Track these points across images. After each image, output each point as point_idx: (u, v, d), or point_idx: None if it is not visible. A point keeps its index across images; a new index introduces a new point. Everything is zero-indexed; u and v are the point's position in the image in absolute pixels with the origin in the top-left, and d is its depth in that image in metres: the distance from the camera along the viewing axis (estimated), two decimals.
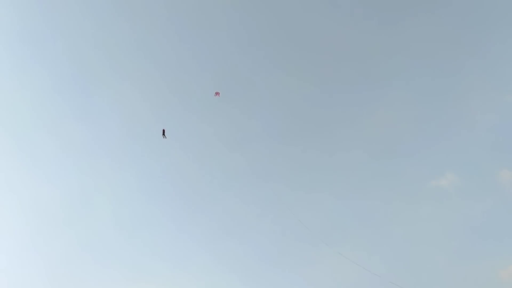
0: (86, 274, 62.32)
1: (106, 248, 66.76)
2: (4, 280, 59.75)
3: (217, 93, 53.75)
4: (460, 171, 72.06)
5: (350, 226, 69.26)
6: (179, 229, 70.29)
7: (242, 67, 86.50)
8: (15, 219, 67.77)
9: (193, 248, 67.58)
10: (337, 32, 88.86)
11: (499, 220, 65.24)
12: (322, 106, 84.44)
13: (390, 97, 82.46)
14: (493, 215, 66.02)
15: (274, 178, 70.94)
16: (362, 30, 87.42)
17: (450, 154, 74.54)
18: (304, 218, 65.95)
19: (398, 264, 62.99)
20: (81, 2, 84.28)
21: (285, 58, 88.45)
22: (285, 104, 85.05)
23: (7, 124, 75.28)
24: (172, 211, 72.92)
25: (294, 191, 72.68)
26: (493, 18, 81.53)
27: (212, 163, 77.24)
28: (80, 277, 61.94)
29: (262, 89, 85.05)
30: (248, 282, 61.97)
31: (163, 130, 56.62)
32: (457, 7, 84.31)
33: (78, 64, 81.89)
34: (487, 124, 76.44)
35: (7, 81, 78.43)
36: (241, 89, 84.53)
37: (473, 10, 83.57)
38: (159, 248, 67.45)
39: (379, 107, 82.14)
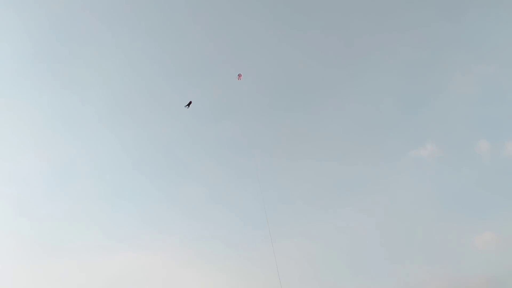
0: (71, 244, 62.35)
1: (90, 218, 66.60)
2: None
3: (239, 75, 52.06)
4: (439, 141, 73.58)
5: (332, 192, 70.85)
6: (163, 198, 70.80)
7: None
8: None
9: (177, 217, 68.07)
10: None
11: (475, 189, 67.30)
12: (307, 74, 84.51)
13: (371, 68, 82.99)
14: (470, 184, 68.10)
15: (259, 147, 71.16)
16: None
17: (430, 125, 76.14)
18: (290, 185, 70.32)
19: (377, 230, 64.65)
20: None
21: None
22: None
23: None
24: (156, 180, 73.46)
25: (279, 158, 74.01)
26: None
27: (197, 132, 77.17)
28: (64, 247, 62.00)
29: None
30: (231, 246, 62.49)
31: (190, 102, 54.47)
32: None
33: None
34: (467, 95, 77.92)
35: None
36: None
37: None
38: (143, 216, 67.86)
39: (361, 78, 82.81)
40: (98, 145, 76.06)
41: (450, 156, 71.83)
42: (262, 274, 55.39)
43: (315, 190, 70.21)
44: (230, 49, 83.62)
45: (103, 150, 75.89)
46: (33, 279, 56.27)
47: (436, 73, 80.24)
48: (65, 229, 64.01)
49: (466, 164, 70.18)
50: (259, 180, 47.77)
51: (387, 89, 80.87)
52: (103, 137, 76.99)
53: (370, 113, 79.31)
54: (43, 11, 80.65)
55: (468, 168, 69.73)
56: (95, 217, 66.41)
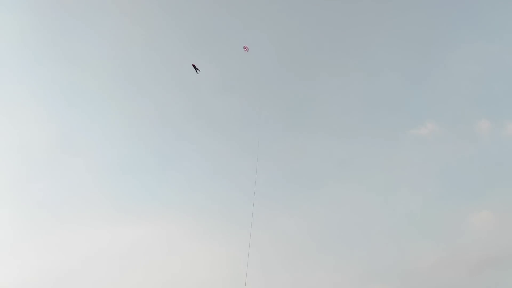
0: (76, 216, 62.42)
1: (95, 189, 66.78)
2: None
3: (245, 47, 50.67)
4: (440, 120, 73.38)
5: (333, 169, 71.01)
6: (165, 171, 71.09)
7: None
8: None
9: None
10: None
11: (475, 168, 67.98)
12: (310, 46, 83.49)
13: (374, 41, 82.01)
14: (470, 163, 68.63)
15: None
16: None
17: (431, 103, 75.95)
18: (292, 161, 70.68)
19: (375, 206, 65.34)
20: None
21: None
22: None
23: None
24: (160, 154, 73.52)
25: (284, 132, 74.40)
26: None
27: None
28: (69, 218, 61.98)
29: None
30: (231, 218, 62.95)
31: (194, 66, 52.86)
32: None
33: None
34: (470, 74, 77.37)
35: None
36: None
37: None
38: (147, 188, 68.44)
39: (364, 50, 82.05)
40: (103, 118, 76.13)
41: (450, 135, 72.23)
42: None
43: (313, 166, 70.74)
44: (236, 19, 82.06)
45: (106, 122, 75.81)
46: (39, 250, 56.83)
47: (439, 49, 79.61)
48: (70, 200, 64.36)
49: (466, 143, 70.58)
50: (258, 154, 47.47)
51: (390, 63, 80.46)
52: (108, 109, 77.23)
53: (372, 87, 79.10)
54: None
55: (468, 147, 70.12)
56: (99, 189, 66.75)
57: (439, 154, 70.17)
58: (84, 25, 77.73)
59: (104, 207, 63.53)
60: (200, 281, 54.97)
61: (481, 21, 79.49)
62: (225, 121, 77.32)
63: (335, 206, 65.35)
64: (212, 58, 76.56)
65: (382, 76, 79.75)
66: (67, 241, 58.00)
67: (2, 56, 74.66)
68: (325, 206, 64.94)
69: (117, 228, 60.11)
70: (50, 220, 60.47)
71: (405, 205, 64.17)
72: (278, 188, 67.28)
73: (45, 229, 59.30)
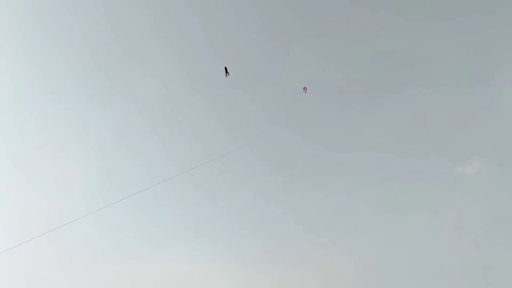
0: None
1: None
2: None
3: (305, 89, 50.88)
4: (487, 158, 70.17)
5: (372, 209, 69.01)
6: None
7: None
8: None
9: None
10: None
11: None
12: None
13: (416, 79, 79.76)
14: None
15: None
16: None
17: (477, 140, 72.71)
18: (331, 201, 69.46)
19: (419, 250, 62.79)
20: None
21: None
22: None
23: None
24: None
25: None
26: None
27: None
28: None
29: None
30: None
31: (225, 68, 54.04)
32: None
33: None
34: None
35: None
36: None
37: None
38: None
39: (405, 90, 79.69)
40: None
41: (499, 174, 68.60)
42: None
43: (354, 206, 69.25)
44: None
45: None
46: None
47: (486, 83, 76.47)
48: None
49: None
50: None
51: (432, 101, 77.98)
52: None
53: (413, 126, 76.90)
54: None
55: None
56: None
57: (488, 194, 66.87)
58: None
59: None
60: None
61: None
62: None
63: (375, 247, 63.85)
64: None
65: (425, 112, 77.58)
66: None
67: None
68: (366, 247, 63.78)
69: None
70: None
71: (452, 250, 61.37)
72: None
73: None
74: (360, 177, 72.44)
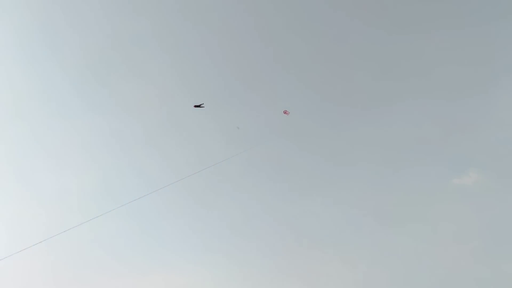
0: None
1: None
2: None
3: (285, 112, 51.00)
4: (485, 169, 70.35)
5: (369, 221, 68.79)
6: None
7: None
8: None
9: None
10: None
11: None
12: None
13: (413, 92, 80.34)
14: None
15: None
16: None
17: (475, 151, 72.93)
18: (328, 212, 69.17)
19: (416, 261, 62.69)
20: None
21: None
22: None
23: None
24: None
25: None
26: None
27: None
28: None
29: None
30: None
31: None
32: None
33: None
34: None
35: None
36: None
37: None
38: None
39: (402, 102, 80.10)
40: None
41: (496, 185, 68.68)
42: None
43: (351, 216, 69.09)
44: None
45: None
46: None
47: (482, 95, 77.12)
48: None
49: None
50: None
51: (429, 112, 78.38)
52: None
53: (411, 137, 77.11)
54: None
55: None
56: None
57: (485, 205, 66.72)
58: None
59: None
60: None
61: None
62: None
63: (373, 259, 63.78)
64: None
65: (421, 123, 78.01)
66: None
67: None
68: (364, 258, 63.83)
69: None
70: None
71: (449, 261, 61.03)
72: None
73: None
74: (358, 188, 72.61)
